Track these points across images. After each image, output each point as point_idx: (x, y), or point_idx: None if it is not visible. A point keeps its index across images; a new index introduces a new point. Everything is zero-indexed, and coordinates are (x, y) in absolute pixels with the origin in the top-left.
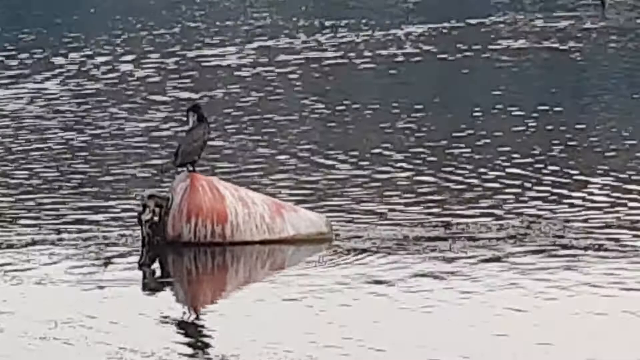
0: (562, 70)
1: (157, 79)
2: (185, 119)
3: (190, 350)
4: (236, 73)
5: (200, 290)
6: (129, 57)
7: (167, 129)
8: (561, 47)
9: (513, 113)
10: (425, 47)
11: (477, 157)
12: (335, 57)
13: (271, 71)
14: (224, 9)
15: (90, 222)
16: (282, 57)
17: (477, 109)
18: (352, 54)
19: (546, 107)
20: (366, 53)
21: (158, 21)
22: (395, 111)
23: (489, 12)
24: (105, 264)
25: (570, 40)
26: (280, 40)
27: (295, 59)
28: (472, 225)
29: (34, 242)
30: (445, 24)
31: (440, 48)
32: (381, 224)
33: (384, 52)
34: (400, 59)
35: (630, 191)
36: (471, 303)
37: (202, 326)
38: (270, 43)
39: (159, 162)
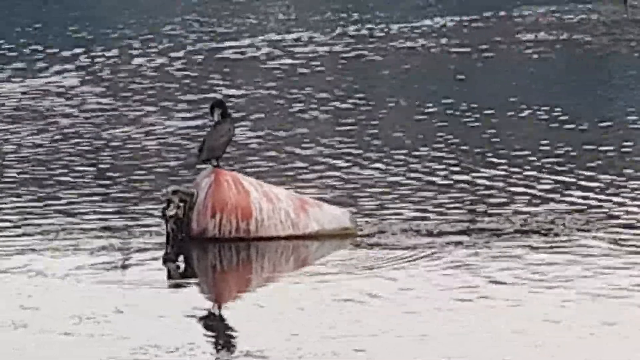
0: (584, 65)
1: (179, 75)
2: (209, 115)
3: (214, 346)
4: (257, 68)
5: (225, 285)
6: (147, 54)
7: (191, 127)
8: (583, 41)
9: (535, 107)
10: (445, 41)
11: (500, 151)
12: (353, 50)
13: (290, 65)
14: (237, 3)
15: (114, 217)
16: (299, 51)
17: (498, 103)
18: (371, 48)
19: (568, 102)
20: (386, 47)
21: (170, 17)
22: (417, 107)
23: (509, 5)
24: (129, 260)
25: (592, 35)
26: (297, 34)
27: (313, 54)
28: (495, 220)
29: (57, 238)
30: (465, 17)
31: (460, 41)
32: (405, 219)
33: (403, 45)
34: (420, 53)
35: None
36: (493, 297)
37: (227, 322)
38: (287, 37)
39: (185, 158)
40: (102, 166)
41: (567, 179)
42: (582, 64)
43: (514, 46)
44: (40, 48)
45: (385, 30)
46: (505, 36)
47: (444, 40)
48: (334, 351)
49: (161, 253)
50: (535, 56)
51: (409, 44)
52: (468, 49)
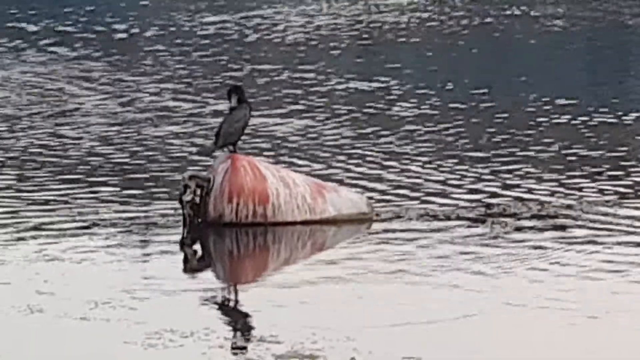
0: (606, 39)
1: (196, 58)
2: (227, 100)
3: (229, 331)
4: (272, 49)
5: (241, 270)
6: (162, 38)
7: (208, 112)
8: (604, 14)
9: (552, 91)
10: (464, 15)
11: (518, 135)
12: (368, 25)
13: (306, 44)
14: None
15: (131, 202)
16: (313, 28)
17: (517, 85)
18: (388, 23)
19: (589, 81)
20: (400, 22)
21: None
22: (434, 88)
23: None
24: (146, 244)
25: (612, 7)
26: (308, 9)
27: (332, 31)
28: (512, 206)
29: (74, 222)
30: None
31: (479, 16)
32: (422, 205)
33: (423, 23)
34: (439, 29)
35: None
36: (509, 283)
37: (242, 307)
38: (294, 11)
39: (201, 143)
40: (118, 151)
41: (583, 165)
42: (604, 40)
43: (535, 21)
44: (56, 33)
45: (400, 5)
46: (527, 8)
47: (461, 14)
48: (349, 337)
49: (178, 238)
50: (557, 32)
51: (430, 21)
52: (483, 24)
